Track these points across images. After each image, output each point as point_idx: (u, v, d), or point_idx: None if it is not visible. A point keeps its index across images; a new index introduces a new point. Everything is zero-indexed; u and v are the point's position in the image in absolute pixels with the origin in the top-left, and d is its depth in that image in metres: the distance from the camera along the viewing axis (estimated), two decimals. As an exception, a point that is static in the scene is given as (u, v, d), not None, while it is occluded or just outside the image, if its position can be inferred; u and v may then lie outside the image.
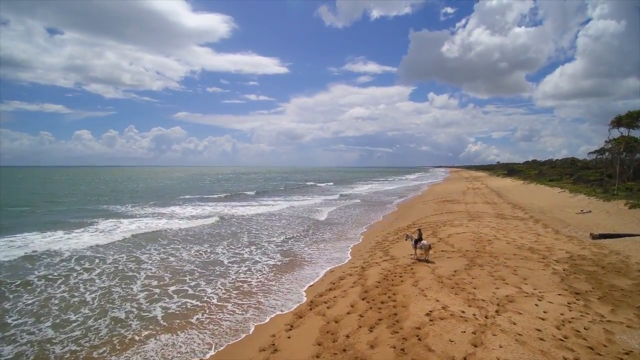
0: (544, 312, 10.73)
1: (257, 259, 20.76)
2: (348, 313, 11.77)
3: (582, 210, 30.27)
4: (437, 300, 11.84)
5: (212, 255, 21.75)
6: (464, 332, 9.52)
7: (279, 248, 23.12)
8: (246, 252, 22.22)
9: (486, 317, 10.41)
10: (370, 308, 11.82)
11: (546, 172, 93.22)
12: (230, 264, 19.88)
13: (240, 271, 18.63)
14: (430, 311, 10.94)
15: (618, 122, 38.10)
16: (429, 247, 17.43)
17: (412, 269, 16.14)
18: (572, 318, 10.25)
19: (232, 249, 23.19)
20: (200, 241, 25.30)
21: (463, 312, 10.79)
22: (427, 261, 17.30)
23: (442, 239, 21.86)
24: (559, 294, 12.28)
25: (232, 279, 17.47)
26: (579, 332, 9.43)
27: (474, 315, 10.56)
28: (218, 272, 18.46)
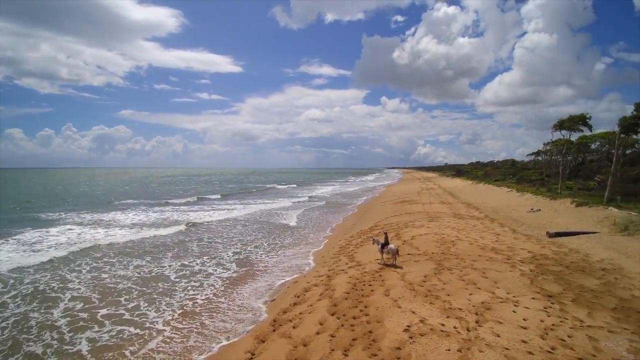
0: (524, 319, 10.13)
1: (211, 271, 18.52)
2: (317, 333, 10.29)
3: (532, 209, 31.78)
4: (413, 312, 10.80)
5: (157, 269, 19.04)
6: (449, 350, 8.49)
7: (236, 257, 21.00)
8: (197, 264, 19.81)
9: (468, 329, 9.53)
10: (342, 325, 10.44)
11: (491, 173, 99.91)
12: (177, 279, 17.43)
13: (189, 287, 16.31)
14: (408, 326, 9.82)
15: (560, 125, 41.06)
16: (397, 252, 16.57)
17: (380, 275, 15.11)
18: (553, 325, 9.71)
19: (181, 260, 20.60)
20: (143, 253, 22.28)
21: (443, 324, 9.83)
22: (395, 266, 16.42)
23: (406, 241, 21.27)
24: (533, 298, 11.89)
25: (180, 297, 15.14)
26: (564, 341, 8.85)
27: (455, 328, 9.62)
28: (162, 290, 15.99)
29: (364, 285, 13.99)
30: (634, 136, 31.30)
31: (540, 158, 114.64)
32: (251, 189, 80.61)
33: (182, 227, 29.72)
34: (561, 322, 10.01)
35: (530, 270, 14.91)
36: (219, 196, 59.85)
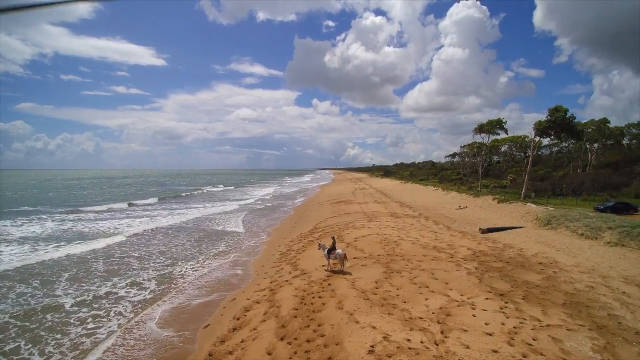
0: (486, 323, 9.67)
1: (122, 294, 15.14)
2: (265, 367, 8.42)
3: (460, 206, 33.84)
4: (374, 327, 9.60)
5: (47, 298, 14.95)
6: (423, 372, 7.37)
7: (158, 273, 17.73)
8: (105, 286, 16.15)
9: (436, 343, 8.64)
10: (295, 353, 8.74)
11: (416, 173, 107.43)
12: (74, 308, 13.76)
13: (89, 318, 12.91)
14: (372, 346, 8.57)
15: (480, 129, 44.98)
16: (345, 257, 15.41)
17: (329, 284, 13.77)
18: (515, 328, 9.39)
19: (82, 284, 16.63)
20: (29, 276, 17.59)
21: (409, 340, 8.79)
22: (343, 272, 15.26)
23: (350, 244, 20.38)
24: (487, 298, 11.69)
25: (76, 333, 11.77)
26: (531, 345, 8.47)
27: (422, 343, 8.65)
28: (51, 324, 12.35)
29: (313, 297, 12.46)
30: (545, 138, 35.31)
31: (455, 159, 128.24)
32: (179, 192, 72.19)
33: (94, 242, 24.74)
34: (521, 323, 9.77)
35: (475, 268, 15.02)
36: (138, 201, 52.69)
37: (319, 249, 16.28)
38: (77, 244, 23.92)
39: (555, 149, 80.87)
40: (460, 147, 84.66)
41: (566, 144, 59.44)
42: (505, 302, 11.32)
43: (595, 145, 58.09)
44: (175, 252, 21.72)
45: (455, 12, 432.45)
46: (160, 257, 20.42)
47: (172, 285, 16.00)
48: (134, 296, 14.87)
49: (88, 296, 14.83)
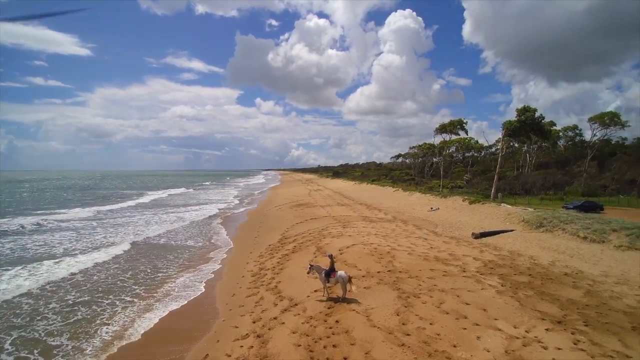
0: None
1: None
2: None
3: (432, 208, 32.61)
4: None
5: None
6: None
7: (69, 319, 12.60)
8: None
9: None
10: None
11: (367, 174, 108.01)
12: None
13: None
14: None
15: (442, 129, 44.98)
16: (349, 280, 12.14)
17: (337, 321, 10.40)
18: None
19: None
20: None
21: None
22: (346, 299, 11.99)
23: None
24: (547, 329, 9.36)
25: None
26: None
27: None
28: None
29: (325, 347, 8.99)
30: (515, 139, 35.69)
31: (399, 160, 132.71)
32: (107, 197, 60.82)
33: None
34: None
35: (502, 285, 12.84)
36: (47, 211, 42.90)
37: (309, 272, 12.75)
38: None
39: (492, 149, 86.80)
40: (410, 147, 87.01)
41: (514, 145, 62.88)
42: (573, 333, 9.11)
43: (534, 146, 62.56)
44: (101, 283, 16.36)
45: (393, 20, 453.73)
46: (74, 293, 15.04)
47: (101, 342, 11.18)
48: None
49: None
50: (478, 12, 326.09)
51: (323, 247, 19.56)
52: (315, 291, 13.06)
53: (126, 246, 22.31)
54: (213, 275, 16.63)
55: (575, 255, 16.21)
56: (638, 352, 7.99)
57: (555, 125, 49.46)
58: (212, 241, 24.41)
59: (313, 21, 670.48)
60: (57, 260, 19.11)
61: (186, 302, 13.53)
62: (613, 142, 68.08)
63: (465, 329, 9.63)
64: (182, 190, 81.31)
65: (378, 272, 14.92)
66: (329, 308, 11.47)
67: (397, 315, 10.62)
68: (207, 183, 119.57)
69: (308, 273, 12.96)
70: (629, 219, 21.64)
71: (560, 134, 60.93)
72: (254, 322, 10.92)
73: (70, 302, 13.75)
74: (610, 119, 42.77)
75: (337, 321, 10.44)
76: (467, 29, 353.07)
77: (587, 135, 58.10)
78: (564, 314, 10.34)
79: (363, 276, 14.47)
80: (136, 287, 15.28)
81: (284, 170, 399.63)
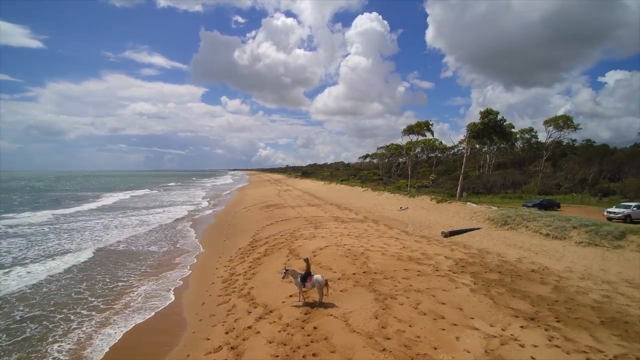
0: None
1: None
2: None
3: (401, 208, 33.14)
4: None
5: None
6: None
7: (16, 337, 11.29)
8: None
9: None
10: None
11: (336, 174, 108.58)
12: None
13: None
14: None
15: (409, 130, 45.95)
16: (326, 284, 11.83)
17: (315, 328, 10.05)
18: None
19: None
20: None
21: None
22: (322, 304, 11.66)
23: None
24: (522, 327, 9.60)
25: None
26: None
27: None
28: None
29: (303, 356, 8.59)
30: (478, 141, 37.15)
31: (368, 160, 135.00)
32: (60, 200, 55.05)
33: None
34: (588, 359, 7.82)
35: (474, 284, 13.10)
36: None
37: (284, 277, 12.31)
38: None
39: (454, 150, 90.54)
40: (378, 148, 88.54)
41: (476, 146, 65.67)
42: (546, 330, 9.40)
43: (494, 147, 65.86)
44: (55, 307, 14.86)
45: (360, 23, 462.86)
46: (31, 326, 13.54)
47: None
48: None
49: None
50: (440, 19, 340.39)
51: (296, 250, 19.11)
52: (291, 296, 12.62)
53: (82, 254, 20.55)
54: (180, 283, 15.67)
55: (540, 252, 16.99)
56: (609, 347, 8.34)
57: (513, 127, 52.19)
58: (178, 246, 23.16)
59: (281, 20, 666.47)
60: (6, 271, 17.22)
61: (152, 313, 12.57)
62: (564, 144, 73.49)
63: (444, 329, 9.63)
64: (146, 191, 77.04)
65: (353, 274, 14.73)
66: (305, 314, 11.08)
67: (376, 318, 10.45)
68: (171, 184, 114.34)
69: (283, 278, 12.51)
70: (584, 215, 23.13)
71: (518, 135, 64.58)
72: (226, 333, 10.29)
73: (18, 317, 12.35)
74: (563, 122, 45.96)
75: (315, 328, 10.08)
76: (430, 34, 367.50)
77: (541, 137, 62.33)
78: (535, 310, 10.67)
79: (339, 279, 14.21)
80: (93, 300, 14.01)
81: (251, 170, 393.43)
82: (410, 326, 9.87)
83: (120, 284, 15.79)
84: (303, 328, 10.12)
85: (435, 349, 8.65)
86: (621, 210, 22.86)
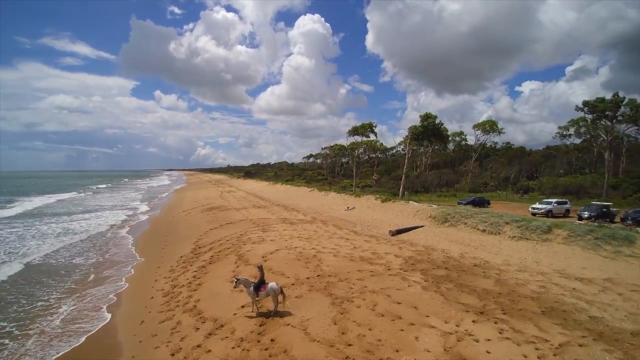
0: None
1: None
2: None
3: (348, 208, 33.58)
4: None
5: None
6: None
7: None
8: None
9: None
10: None
11: (280, 174, 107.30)
12: None
13: None
14: None
15: (354, 131, 46.99)
16: (281, 292, 11.26)
17: (272, 340, 9.46)
18: (538, 358, 8.11)
19: None
20: None
21: None
22: (278, 313, 11.08)
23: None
24: (474, 321, 10.07)
25: None
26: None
27: None
28: None
29: (263, 374, 7.94)
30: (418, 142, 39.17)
31: (312, 160, 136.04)
32: None
33: None
34: (537, 349, 8.57)
35: (425, 281, 13.55)
36: None
37: (235, 286, 11.48)
38: None
39: (393, 151, 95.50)
40: (322, 148, 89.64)
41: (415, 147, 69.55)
42: (496, 322, 9.95)
43: (429, 149, 70.62)
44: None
45: (303, 23, 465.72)
46: None
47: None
48: None
49: None
50: (379, 25, 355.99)
51: (244, 255, 18.17)
52: (243, 307, 11.81)
53: (-18, 272, 17.23)
54: (114, 299, 13.83)
55: (479, 247, 18.27)
56: (553, 336, 9.02)
57: (447, 131, 56.44)
58: (108, 256, 20.62)
59: (221, 14, 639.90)
60: None
61: (80, 339, 10.80)
62: (487, 146, 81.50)
63: (402, 330, 9.68)
64: (72, 195, 68.08)
65: (307, 278, 14.35)
66: (260, 325, 10.39)
67: (335, 324, 10.16)
68: (102, 186, 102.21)
69: (235, 287, 11.65)
70: (511, 211, 25.55)
71: (450, 138, 69.98)
72: (172, 355, 9.19)
73: None
74: (490, 127, 50.82)
75: (272, 340, 9.46)
76: (370, 40, 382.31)
77: (470, 140, 68.35)
78: (483, 304, 11.27)
79: (293, 284, 13.72)
80: (6, 325, 11.72)
81: (189, 170, 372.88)
82: (370, 329, 9.75)
83: (39, 304, 13.46)
84: (259, 342, 9.45)
85: (397, 351, 8.60)
86: (544, 206, 25.79)
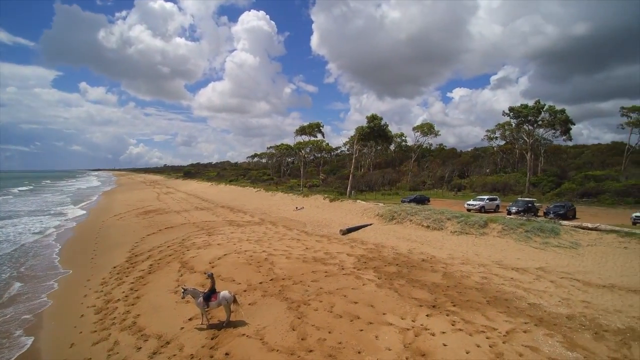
0: (467, 352, 8.41)
1: None
2: None
3: (297, 208, 33.29)
4: None
5: None
6: None
7: None
8: None
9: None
10: None
11: (224, 174, 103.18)
12: None
13: None
14: None
15: (302, 130, 46.77)
16: (235, 301, 10.57)
17: (227, 354, 8.85)
18: (491, 347, 8.93)
19: None
20: None
21: None
22: (230, 323, 10.38)
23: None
24: (428, 315, 10.42)
25: None
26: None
27: None
28: None
29: (219, 392, 7.28)
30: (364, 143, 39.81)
31: (256, 160, 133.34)
32: None
33: None
34: (488, 338, 9.15)
35: (378, 278, 13.78)
36: None
37: (184, 296, 10.52)
38: None
39: (337, 151, 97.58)
40: (267, 147, 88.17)
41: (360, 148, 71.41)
42: (447, 315, 10.42)
43: (373, 149, 73.25)
44: None
45: (247, 19, 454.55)
46: None
47: None
48: None
49: None
50: (324, 27, 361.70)
51: (189, 262, 16.89)
52: (190, 319, 10.85)
53: None
54: (33, 320, 11.86)
55: (425, 243, 19.18)
56: (500, 324, 9.64)
57: (392, 132, 59.10)
58: (24, 270, 17.79)
59: (158, 3, 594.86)
60: None
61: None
62: (423, 147, 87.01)
63: (362, 330, 9.63)
64: None
65: (260, 282, 13.74)
66: (212, 338, 9.61)
67: (293, 330, 9.78)
68: (22, 189, 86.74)
69: (183, 298, 10.66)
70: (449, 207, 27.33)
71: (392, 139, 73.39)
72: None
73: None
74: (428, 129, 54.19)
75: (227, 354, 8.79)
76: (315, 41, 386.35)
77: (409, 141, 72.35)
78: (434, 297, 11.72)
79: (245, 290, 13.02)
80: None
81: (120, 170, 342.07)
82: (329, 332, 9.55)
83: None
84: (212, 357, 8.71)
85: (360, 352, 8.50)
86: (477, 202, 28.03)
